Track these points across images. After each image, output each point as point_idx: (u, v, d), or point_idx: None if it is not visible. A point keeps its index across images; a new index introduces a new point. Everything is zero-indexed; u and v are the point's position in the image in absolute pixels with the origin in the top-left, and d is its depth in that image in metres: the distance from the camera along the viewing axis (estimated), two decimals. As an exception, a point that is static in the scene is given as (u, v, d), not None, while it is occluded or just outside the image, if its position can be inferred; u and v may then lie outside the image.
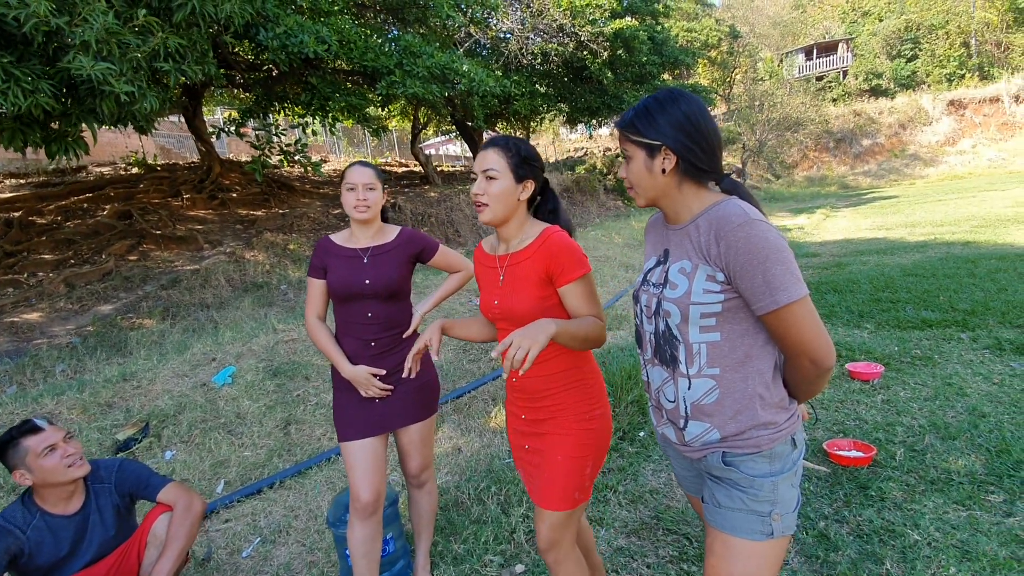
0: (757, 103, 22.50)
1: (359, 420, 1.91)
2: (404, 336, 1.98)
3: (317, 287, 1.95)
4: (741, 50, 25.53)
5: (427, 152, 15.19)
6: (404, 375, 1.66)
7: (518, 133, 18.68)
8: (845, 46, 32.14)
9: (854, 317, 4.83)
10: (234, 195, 10.54)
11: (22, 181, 10.34)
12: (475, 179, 1.50)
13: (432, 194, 11.89)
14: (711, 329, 1.16)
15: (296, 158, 8.34)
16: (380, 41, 8.37)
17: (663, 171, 1.20)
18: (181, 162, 13.12)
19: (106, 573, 1.85)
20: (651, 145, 1.19)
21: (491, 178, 1.46)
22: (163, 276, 7.37)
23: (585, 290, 1.44)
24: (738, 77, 25.76)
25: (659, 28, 15.79)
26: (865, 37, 32.25)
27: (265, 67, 8.95)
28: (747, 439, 1.17)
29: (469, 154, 20.03)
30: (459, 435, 3.33)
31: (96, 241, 8.09)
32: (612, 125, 19.08)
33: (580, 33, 12.69)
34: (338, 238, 1.98)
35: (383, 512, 1.96)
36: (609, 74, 13.68)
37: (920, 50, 30.39)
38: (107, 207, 9.07)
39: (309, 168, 8.22)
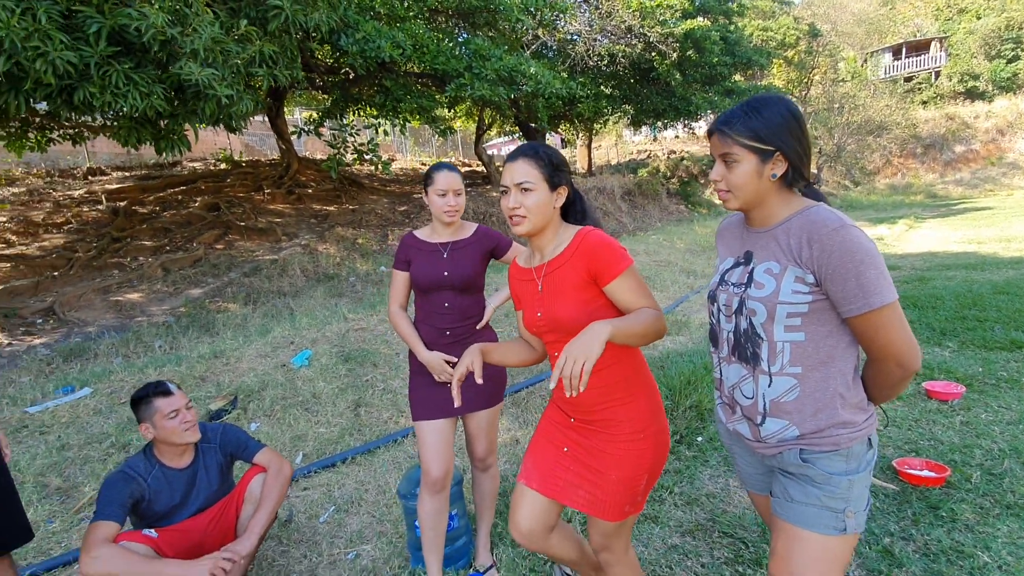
0: (836, 105, 21.32)
1: (432, 402, 2.06)
2: (477, 327, 2.11)
3: (401, 279, 2.12)
4: (821, 49, 24.27)
5: (490, 152, 15.46)
6: (456, 402, 1.52)
7: (581, 135, 18.65)
8: (938, 45, 29.84)
9: (935, 335, 4.57)
10: (309, 191, 11.19)
11: (127, 174, 11.42)
12: (505, 191, 1.47)
13: (494, 194, 12.11)
14: (796, 329, 1.19)
15: (368, 157, 8.77)
16: (451, 45, 8.65)
17: (772, 176, 1.21)
18: (263, 159, 14.04)
19: (209, 522, 2.09)
20: (765, 150, 1.20)
21: (527, 190, 1.43)
22: (246, 264, 7.96)
23: (633, 282, 1.40)
24: (816, 78, 24.51)
25: (732, 28, 15.32)
26: (961, 36, 29.80)
27: (343, 71, 9.45)
28: (826, 437, 1.20)
29: (530, 155, 20.20)
30: (517, 427, 3.44)
31: (188, 230, 8.83)
32: (682, 126, 18.66)
33: (649, 34, 12.54)
34: (421, 234, 2.13)
35: (450, 489, 2.11)
36: (677, 75, 13.43)
37: (1023, 50, 27.75)
38: (198, 199, 9.87)
39: (379, 167, 8.62)
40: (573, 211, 1.55)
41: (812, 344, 1.20)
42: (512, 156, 1.48)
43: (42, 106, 6.17)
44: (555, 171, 1.46)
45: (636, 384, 1.48)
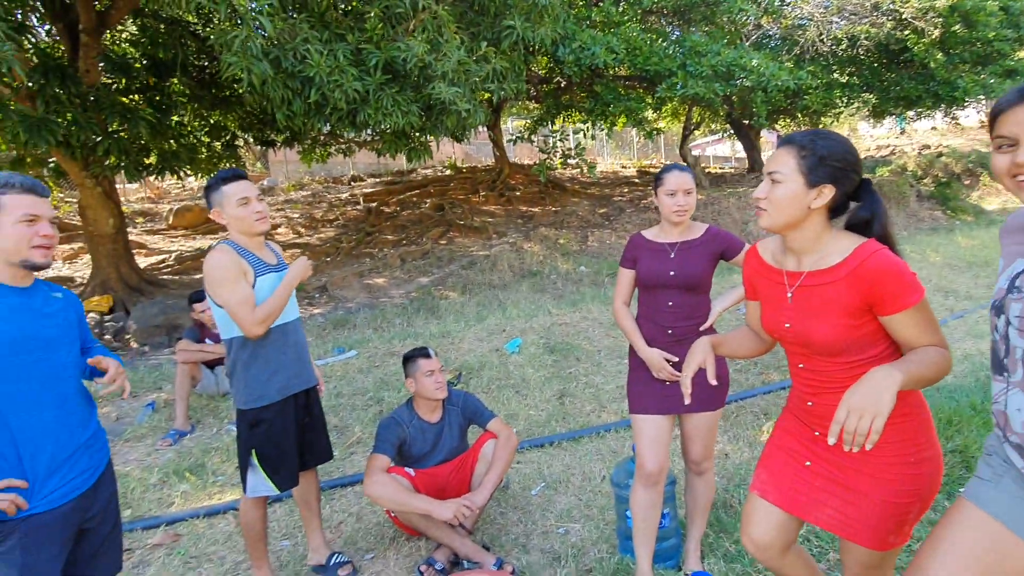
0: None
1: (650, 398, 2.10)
2: (701, 328, 2.09)
3: (626, 276, 2.20)
4: None
5: (695, 153, 14.74)
6: (686, 400, 1.51)
7: (804, 129, 16.58)
8: None
9: None
10: (518, 193, 12.09)
11: (377, 180, 13.75)
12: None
13: (699, 196, 11.54)
14: None
15: (574, 161, 9.13)
16: (664, 44, 8.49)
17: None
18: (479, 165, 15.59)
19: (451, 472, 2.46)
20: None
21: (776, 181, 1.30)
22: (463, 259, 8.97)
23: (923, 317, 1.22)
24: None
25: (1022, -9, 12.02)
26: None
27: (555, 80, 9.98)
28: None
29: (740, 154, 18.65)
30: (726, 441, 3.28)
31: (420, 227, 10.28)
32: (942, 115, 15.38)
33: (902, 10, 10.59)
34: (649, 233, 2.19)
35: (664, 486, 2.12)
36: (939, 55, 11.06)
37: None
38: (428, 201, 11.42)
39: (585, 170, 8.90)
40: (858, 217, 1.34)
41: None
42: (780, 142, 1.36)
43: (327, 127, 7.79)
44: (819, 164, 1.27)
45: (908, 403, 1.30)
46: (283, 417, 2.06)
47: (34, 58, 6.28)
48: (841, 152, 1.28)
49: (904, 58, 11.59)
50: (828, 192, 1.28)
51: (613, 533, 2.45)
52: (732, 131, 14.08)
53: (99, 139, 6.28)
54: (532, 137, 9.61)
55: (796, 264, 1.37)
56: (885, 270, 1.22)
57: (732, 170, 16.12)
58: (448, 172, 13.82)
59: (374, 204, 11.34)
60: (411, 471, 2.38)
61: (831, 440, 1.10)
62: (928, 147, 18.87)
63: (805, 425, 1.45)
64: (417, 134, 6.19)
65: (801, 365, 1.40)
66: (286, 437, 2.06)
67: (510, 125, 16.74)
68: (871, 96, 12.92)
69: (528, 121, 10.55)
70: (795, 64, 10.86)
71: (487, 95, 6.21)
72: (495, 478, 2.29)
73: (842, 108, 14.25)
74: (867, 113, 14.69)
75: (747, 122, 11.88)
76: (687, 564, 2.21)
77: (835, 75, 12.17)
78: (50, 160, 7.49)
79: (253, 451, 2.02)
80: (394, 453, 2.34)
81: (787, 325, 1.37)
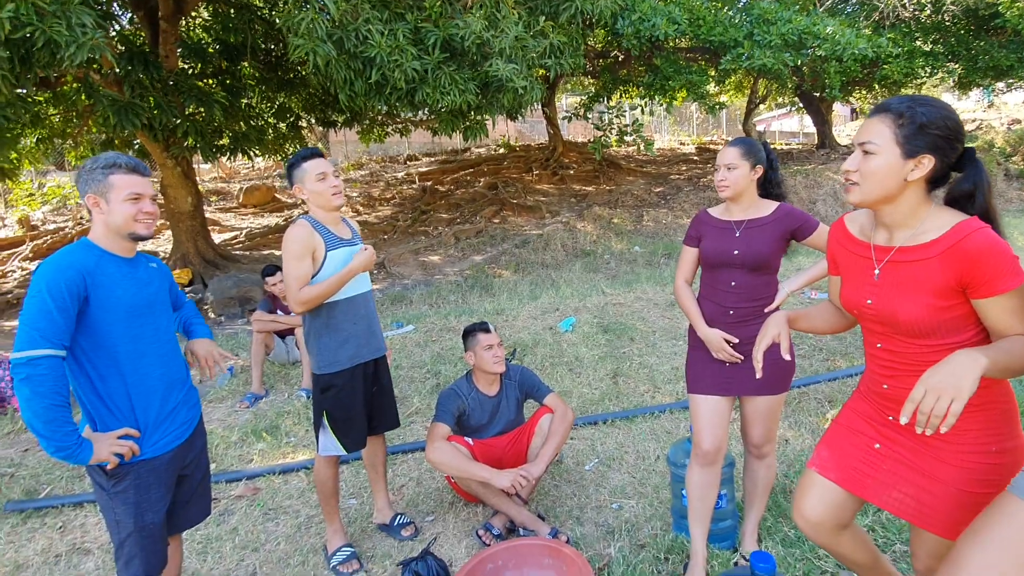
0: None
1: (709, 378, 2.08)
2: (766, 310, 2.03)
3: (690, 254, 2.16)
4: None
5: (759, 129, 14.02)
6: (757, 374, 1.52)
7: (880, 101, 15.42)
8: None
9: None
10: (571, 172, 11.95)
11: (432, 159, 13.94)
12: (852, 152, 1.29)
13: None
14: None
15: (631, 138, 8.91)
16: (730, 13, 8.08)
17: None
18: (532, 143, 15.48)
19: (507, 444, 2.54)
20: None
21: (868, 152, 1.22)
22: (516, 237, 9.01)
23: (1019, 304, 1.15)
24: None
25: None
26: None
27: (612, 54, 9.71)
28: None
29: (809, 129, 17.58)
30: (786, 427, 3.19)
31: (473, 206, 10.38)
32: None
33: (1002, -33, 9.54)
34: (715, 211, 2.13)
35: (721, 466, 2.11)
36: (1041, 18, 9.92)
37: None
38: (481, 180, 11.49)
39: (641, 147, 8.68)
40: (958, 191, 1.24)
41: None
42: (873, 111, 1.27)
43: (385, 107, 7.95)
44: (918, 133, 1.18)
45: (993, 391, 1.24)
46: (352, 383, 2.18)
47: (119, 45, 6.73)
48: (942, 118, 1.19)
49: (995, 24, 10.49)
50: (927, 163, 1.19)
51: (667, 511, 2.47)
52: (801, 104, 13.28)
53: (178, 121, 6.69)
54: (587, 114, 9.44)
55: (887, 239, 1.30)
56: (986, 250, 1.14)
57: (800, 146, 15.23)
58: (502, 151, 13.81)
59: (429, 183, 11.52)
60: (470, 440, 2.48)
61: (903, 420, 1.06)
62: (1018, 122, 17.10)
63: (878, 409, 1.40)
64: (473, 112, 6.22)
65: (879, 345, 1.34)
66: (354, 402, 2.19)
67: (564, 102, 16.47)
68: (956, 66, 11.84)
69: (583, 97, 10.35)
70: (873, 31, 10.08)
71: (543, 71, 6.15)
72: (551, 451, 2.34)
73: (924, 79, 13.11)
74: (952, 85, 13.44)
75: (818, 94, 11.16)
76: (744, 545, 2.20)
77: (917, 43, 11.19)
78: (135, 142, 8.05)
79: (325, 413, 2.17)
80: (454, 422, 2.44)
81: (869, 302, 1.31)
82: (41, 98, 7.32)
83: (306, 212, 2.20)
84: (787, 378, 2.06)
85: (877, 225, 1.33)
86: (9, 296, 7.67)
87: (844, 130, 20.02)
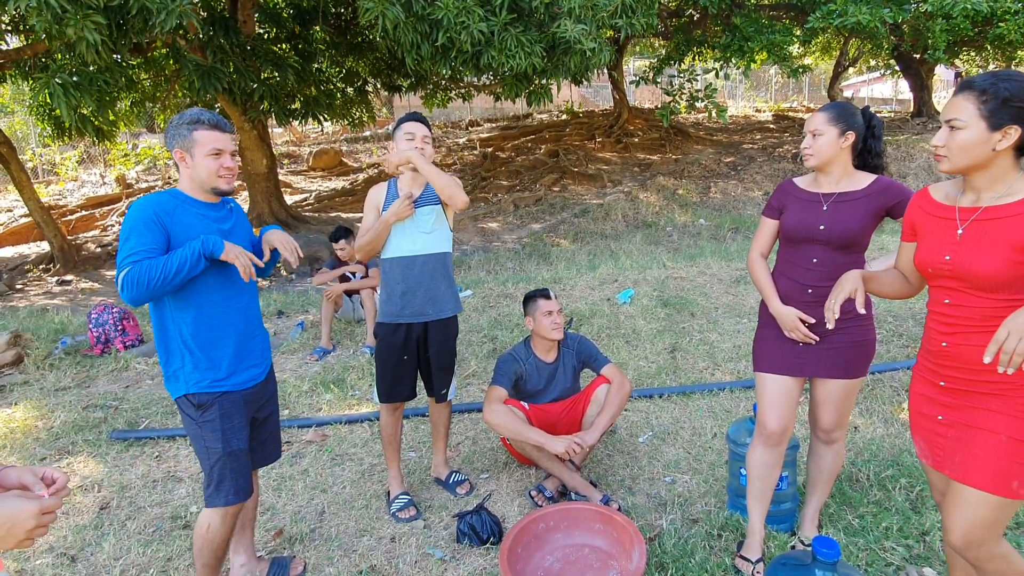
0: None
1: (777, 357, 1.99)
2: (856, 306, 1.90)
3: (769, 226, 2.03)
4: None
5: (847, 94, 12.91)
6: (828, 324, 1.53)
7: (994, 65, 13.76)
8: None
9: None
10: (636, 140, 11.54)
11: (494, 125, 13.84)
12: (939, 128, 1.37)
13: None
14: None
15: (702, 104, 8.45)
16: (823, -35, 7.36)
17: None
18: (596, 110, 15.03)
19: (561, 411, 2.57)
20: None
21: (955, 128, 1.31)
22: (576, 206, 8.88)
23: None
24: None
25: None
26: None
27: (687, 12, 9.15)
28: None
29: (904, 95, 15.99)
30: (858, 414, 3.04)
31: (533, 174, 10.28)
32: None
33: None
34: (801, 181, 1.99)
35: (786, 447, 2.04)
36: None
37: None
38: (543, 147, 11.32)
39: (713, 114, 8.22)
40: None
41: None
42: (957, 89, 1.35)
43: (450, 71, 7.91)
44: (1003, 106, 1.26)
45: None
46: (391, 339, 2.29)
47: (202, 10, 7.03)
48: None
49: None
50: (1014, 132, 1.28)
51: (722, 489, 2.43)
52: (898, 67, 12.07)
53: (255, 86, 6.97)
54: (656, 78, 9.00)
55: (974, 200, 1.38)
56: None
57: (892, 114, 13.92)
58: (564, 117, 13.50)
59: (490, 149, 11.48)
60: (526, 405, 2.52)
61: (987, 359, 1.17)
62: None
63: (932, 376, 1.45)
64: (538, 77, 6.08)
65: (947, 301, 1.39)
66: (390, 356, 2.30)
67: (632, 66, 15.77)
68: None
69: (653, 60, 9.87)
70: (994, -19, 8.89)
71: (612, 32, 5.89)
72: (607, 420, 2.35)
73: (1052, 36, 11.54)
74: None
75: (919, 56, 10.09)
76: (803, 530, 2.14)
77: (1049, -7, 9.79)
78: (216, 106, 8.48)
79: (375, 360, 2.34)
80: (511, 386, 2.48)
81: (947, 258, 1.37)
82: (134, 63, 7.81)
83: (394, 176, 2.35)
84: (865, 362, 1.94)
85: (966, 190, 1.41)
86: (109, 248, 8.42)
87: (946, 97, 18.08)
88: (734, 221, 7.96)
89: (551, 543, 2.07)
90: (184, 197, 1.71)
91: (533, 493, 2.40)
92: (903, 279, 1.58)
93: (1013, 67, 13.80)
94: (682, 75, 8.60)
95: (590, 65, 5.74)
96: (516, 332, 4.21)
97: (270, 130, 12.13)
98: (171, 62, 7.22)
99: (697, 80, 8.78)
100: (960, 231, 1.36)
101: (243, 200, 9.92)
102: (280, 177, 10.28)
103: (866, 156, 1.90)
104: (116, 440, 3.07)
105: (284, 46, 8.16)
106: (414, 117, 2.27)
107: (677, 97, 8.49)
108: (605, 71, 10.79)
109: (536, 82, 6.35)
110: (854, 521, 2.17)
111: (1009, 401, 1.31)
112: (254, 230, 1.96)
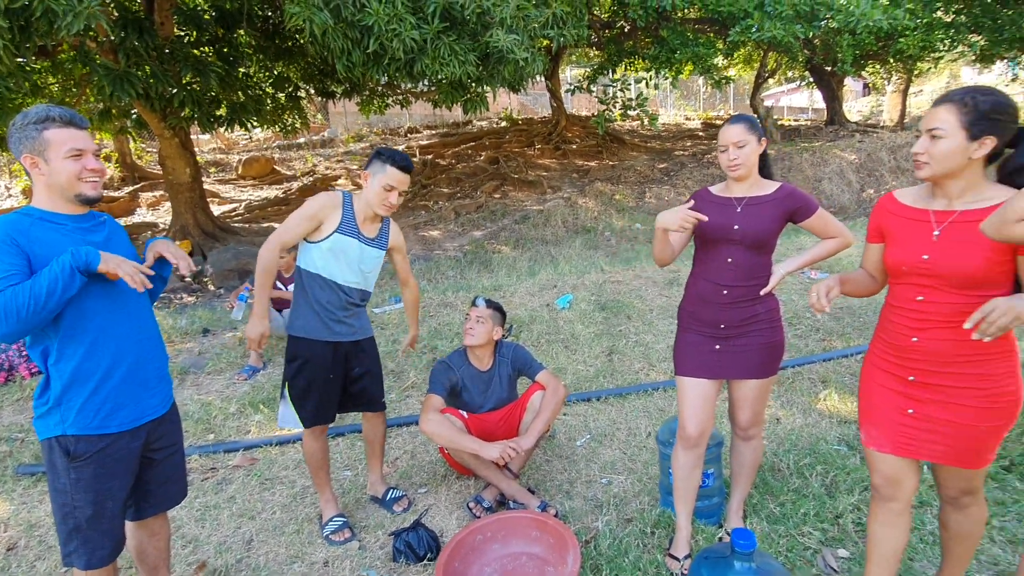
0: None
1: (696, 360, 2.07)
2: (761, 292, 2.01)
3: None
4: None
5: (767, 104, 13.75)
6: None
7: (896, 79, 15.08)
8: None
9: None
10: (574, 147, 11.79)
11: (432, 131, 13.75)
12: (919, 137, 1.46)
13: (770, 152, 10.87)
14: None
15: (635, 112, 8.75)
16: (741, -17, 7.82)
17: None
18: (535, 117, 15.24)
19: (499, 419, 2.57)
20: None
21: (936, 136, 1.41)
22: (516, 213, 8.95)
23: None
24: None
25: None
26: None
27: (618, 24, 9.46)
28: None
29: (819, 105, 17.21)
30: (778, 406, 3.22)
31: (474, 180, 10.29)
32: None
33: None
34: (715, 189, 2.09)
35: (707, 449, 2.13)
36: (1072, -14, 9.59)
37: None
38: (483, 154, 11.35)
39: (645, 122, 8.53)
40: (1014, 163, 1.43)
41: None
42: (937, 101, 1.47)
43: (384, 78, 7.81)
44: (981, 119, 1.38)
45: (1011, 340, 1.46)
46: (318, 357, 2.19)
47: (114, 11, 6.59)
48: (1003, 105, 1.39)
49: (1025, -8, 10.14)
50: (990, 143, 1.39)
51: (656, 487, 2.51)
52: (811, 79, 12.98)
53: (175, 91, 6.59)
54: (591, 87, 9.25)
55: (946, 205, 1.48)
56: None
57: (808, 122, 14.95)
58: (504, 124, 13.61)
59: (430, 156, 11.40)
60: (464, 414, 2.50)
61: (967, 325, 1.26)
62: (1043, 96, 16.66)
63: (899, 371, 1.55)
64: (473, 84, 6.10)
65: (920, 298, 1.49)
66: (318, 375, 2.19)
67: (568, 74, 16.13)
68: (979, 38, 11.47)
69: (588, 70, 10.14)
70: (891, 1, 9.76)
71: (546, 42, 6.00)
72: (541, 425, 2.37)
73: (943, 52, 12.76)
74: (973, 58, 13.08)
75: (830, 68, 10.89)
76: (728, 522, 2.24)
77: (938, 14, 10.84)
78: (133, 112, 7.96)
79: (286, 384, 2.23)
80: (446, 394, 2.46)
81: (925, 257, 1.47)
82: (40, 67, 7.21)
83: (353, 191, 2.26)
84: (776, 361, 2.06)
85: (936, 195, 1.51)
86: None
87: (855, 106, 19.59)
88: (668, 225, 8.28)
89: (488, 554, 2.07)
90: (40, 213, 1.45)
91: (471, 504, 2.39)
92: (870, 278, 1.69)
93: (913, 78, 15.16)
94: (615, 84, 8.88)
95: (524, 74, 5.82)
96: (456, 342, 4.18)
97: (195, 137, 11.51)
98: (79, 66, 6.72)
99: (630, 89, 9.09)
100: (937, 232, 1.46)
101: (165, 211, 9.35)
102: (206, 186, 9.77)
103: (762, 166, 2.02)
104: (23, 475, 2.80)
105: (207, 49, 7.78)
106: (402, 164, 2.20)
107: (611, 105, 8.75)
108: (541, 79, 10.97)
109: (472, 90, 6.37)
110: (775, 509, 2.30)
111: (972, 393, 1.45)
112: (178, 243, 1.79)
